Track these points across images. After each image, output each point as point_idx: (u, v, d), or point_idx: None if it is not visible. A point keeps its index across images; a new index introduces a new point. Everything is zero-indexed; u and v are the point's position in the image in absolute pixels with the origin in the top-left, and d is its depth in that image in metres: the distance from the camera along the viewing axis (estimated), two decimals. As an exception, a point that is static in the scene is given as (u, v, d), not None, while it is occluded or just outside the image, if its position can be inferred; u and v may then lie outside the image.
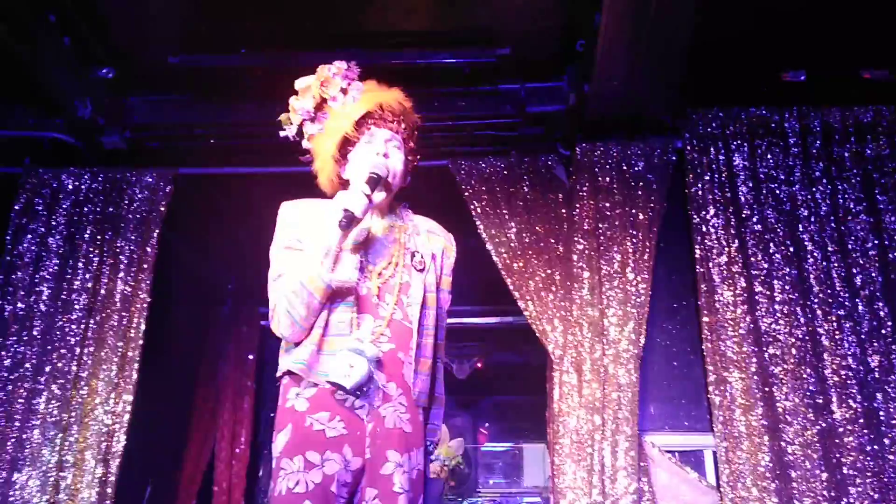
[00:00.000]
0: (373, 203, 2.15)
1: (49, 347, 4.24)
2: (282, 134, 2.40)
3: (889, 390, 3.75)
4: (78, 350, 4.23)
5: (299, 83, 2.38)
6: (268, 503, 5.76)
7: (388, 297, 2.17)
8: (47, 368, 4.20)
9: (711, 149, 4.26)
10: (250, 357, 6.62)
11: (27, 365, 4.19)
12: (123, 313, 4.32)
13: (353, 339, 2.07)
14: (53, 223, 4.48)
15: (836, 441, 3.70)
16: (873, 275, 3.95)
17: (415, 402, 2.16)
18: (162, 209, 4.54)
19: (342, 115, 2.31)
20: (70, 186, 4.57)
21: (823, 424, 3.74)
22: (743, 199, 4.15)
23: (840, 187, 4.12)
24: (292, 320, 2.09)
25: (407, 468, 2.08)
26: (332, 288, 2.09)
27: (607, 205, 4.25)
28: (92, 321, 4.31)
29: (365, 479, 2.06)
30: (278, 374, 2.17)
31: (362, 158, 2.25)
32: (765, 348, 3.88)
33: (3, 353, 4.22)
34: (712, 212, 4.15)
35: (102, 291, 4.37)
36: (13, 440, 4.06)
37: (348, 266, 2.14)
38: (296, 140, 2.40)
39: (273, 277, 2.18)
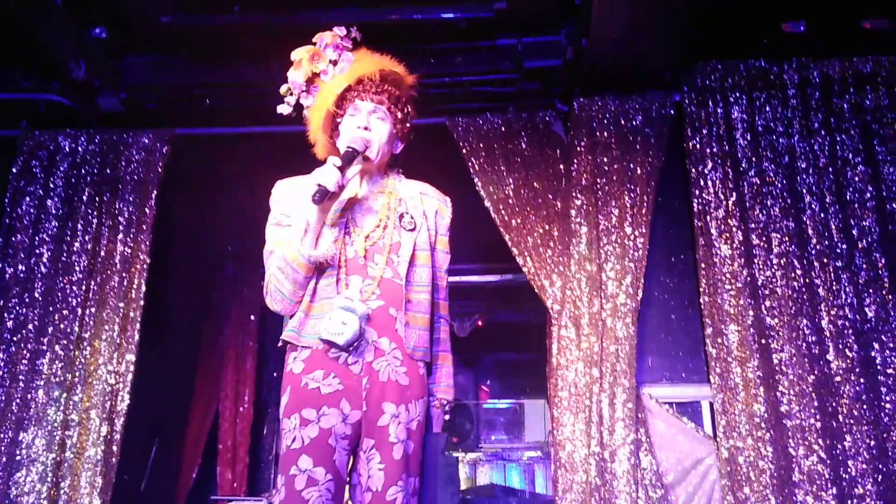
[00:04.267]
0: (346, 177, 2.18)
1: (51, 309, 4.28)
2: (279, 109, 2.41)
3: (885, 339, 3.79)
4: (79, 311, 4.28)
5: (294, 54, 2.39)
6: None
7: (377, 258, 2.24)
8: (49, 330, 4.25)
9: (710, 102, 4.24)
10: (252, 318, 6.65)
11: (29, 326, 4.25)
12: (124, 274, 4.36)
13: (342, 298, 2.13)
14: (51, 185, 4.50)
15: (832, 390, 3.74)
16: (871, 225, 3.96)
17: (410, 355, 2.21)
18: (159, 170, 4.54)
19: (328, 90, 2.36)
20: (67, 148, 4.57)
21: (819, 374, 3.78)
22: (741, 152, 4.14)
23: (839, 138, 4.11)
24: (281, 296, 2.20)
25: (404, 419, 2.16)
26: (312, 263, 2.16)
27: (605, 160, 4.24)
28: (93, 282, 4.35)
29: (364, 431, 2.15)
30: (279, 344, 2.25)
31: (345, 132, 2.30)
32: (762, 301, 3.91)
33: (5, 315, 4.27)
34: (710, 165, 4.14)
35: (102, 253, 4.40)
36: (18, 400, 4.13)
37: (328, 240, 2.20)
38: (291, 116, 2.42)
39: (266, 255, 2.27)
